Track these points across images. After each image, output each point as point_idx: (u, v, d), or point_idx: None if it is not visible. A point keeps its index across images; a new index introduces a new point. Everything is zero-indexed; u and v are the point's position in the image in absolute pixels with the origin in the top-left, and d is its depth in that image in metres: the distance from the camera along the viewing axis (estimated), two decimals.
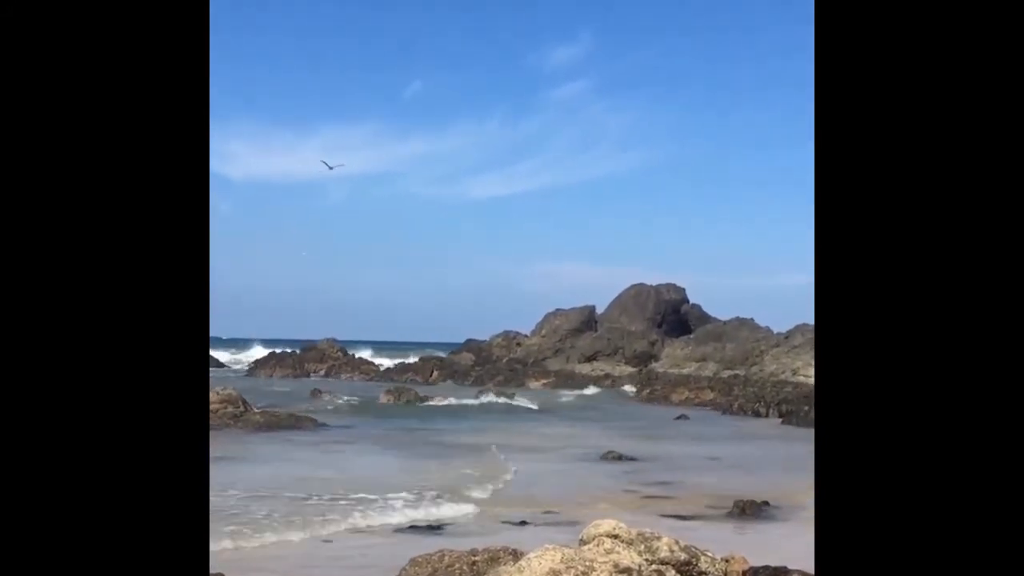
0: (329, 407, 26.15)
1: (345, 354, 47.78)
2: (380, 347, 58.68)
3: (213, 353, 58.16)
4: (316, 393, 28.73)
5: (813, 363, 38.40)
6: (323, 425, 21.33)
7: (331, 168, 20.57)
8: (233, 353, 59.10)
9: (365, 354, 50.73)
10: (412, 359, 49.44)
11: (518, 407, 28.23)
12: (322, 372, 44.35)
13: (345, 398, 28.48)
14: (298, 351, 48.89)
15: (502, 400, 29.31)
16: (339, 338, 49.79)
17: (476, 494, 12.33)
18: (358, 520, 10.44)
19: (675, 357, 42.71)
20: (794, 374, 36.69)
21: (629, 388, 36.39)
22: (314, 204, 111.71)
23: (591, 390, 36.40)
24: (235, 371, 45.28)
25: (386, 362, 49.00)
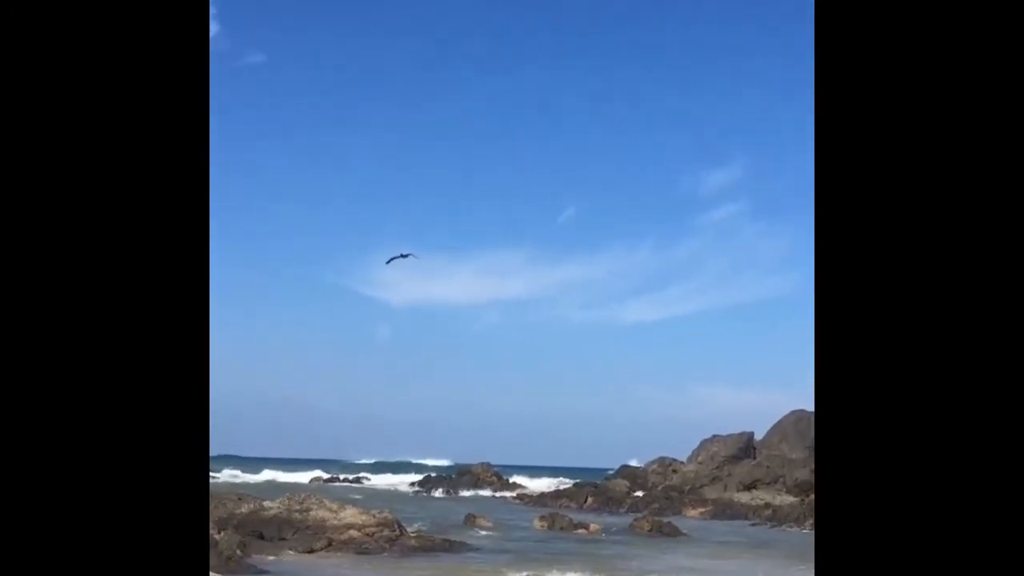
0: (482, 532, 26.04)
1: (499, 478, 47.76)
2: (534, 471, 58.34)
3: (372, 476, 59.07)
4: (470, 518, 28.70)
5: None
6: (476, 549, 21.23)
7: (405, 257, 20.81)
8: (388, 475, 59.88)
9: (519, 478, 50.55)
10: (566, 484, 48.93)
11: (675, 536, 27.42)
12: (477, 495, 44.31)
13: (497, 523, 28.32)
14: (453, 475, 49.15)
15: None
16: (493, 462, 49.92)
17: None
18: None
19: None
20: None
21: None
22: (468, 328, 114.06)
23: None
24: (389, 493, 45.79)
25: (540, 487, 48.63)
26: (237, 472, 59.64)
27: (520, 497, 44.51)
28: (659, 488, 44.49)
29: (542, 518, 28.83)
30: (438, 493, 45.07)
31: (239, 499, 22.63)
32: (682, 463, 47.25)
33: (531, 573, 17.56)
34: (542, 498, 43.75)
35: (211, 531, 18.99)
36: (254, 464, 64.63)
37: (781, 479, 42.38)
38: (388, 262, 20.74)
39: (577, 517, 29.89)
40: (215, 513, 20.96)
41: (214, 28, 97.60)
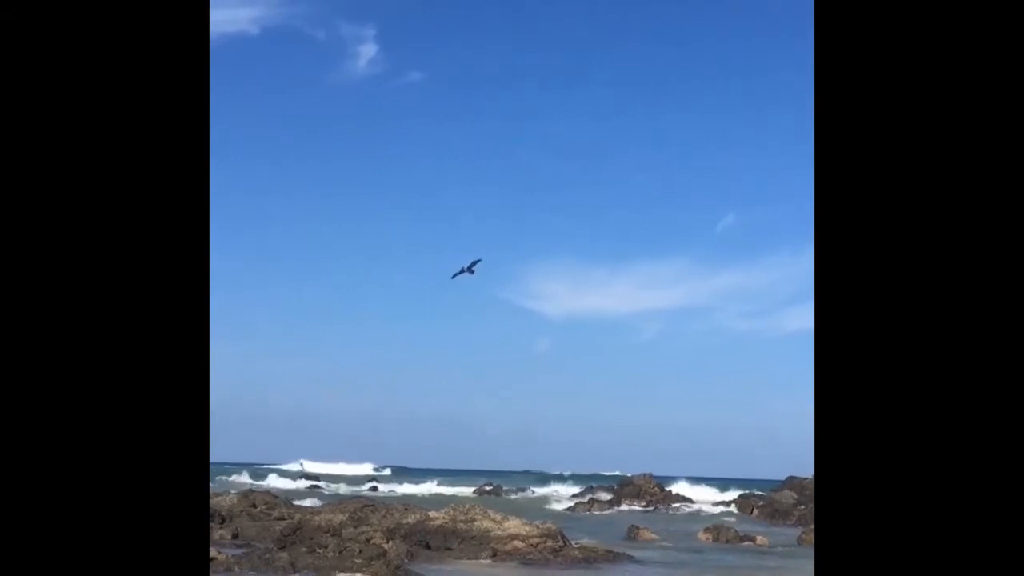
0: (647, 544, 25.81)
1: (662, 489, 47.23)
2: (697, 482, 57.41)
3: (534, 488, 59.46)
4: (634, 529, 28.49)
5: None
6: (641, 562, 21.07)
7: (472, 272, 20.17)
8: (551, 487, 60.12)
9: (682, 490, 49.87)
10: (731, 495, 47.97)
11: None
12: (639, 507, 43.98)
13: (661, 535, 28.01)
14: (615, 485, 48.91)
15: None
16: (656, 473, 49.42)
17: None
18: None
19: None
20: None
21: None
22: (627, 340, 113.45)
23: None
24: (552, 505, 45.95)
25: (704, 498, 47.84)
26: (405, 483, 61.14)
27: (685, 509, 43.91)
28: None
29: (707, 530, 28.33)
30: (600, 504, 44.90)
31: (406, 509, 23.18)
32: None
33: None
34: (707, 509, 43.07)
35: (380, 540, 19.52)
36: (421, 475, 66.10)
37: None
38: (453, 277, 20.46)
39: (743, 529, 29.24)
40: (383, 523, 21.53)
41: (372, 50, 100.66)
